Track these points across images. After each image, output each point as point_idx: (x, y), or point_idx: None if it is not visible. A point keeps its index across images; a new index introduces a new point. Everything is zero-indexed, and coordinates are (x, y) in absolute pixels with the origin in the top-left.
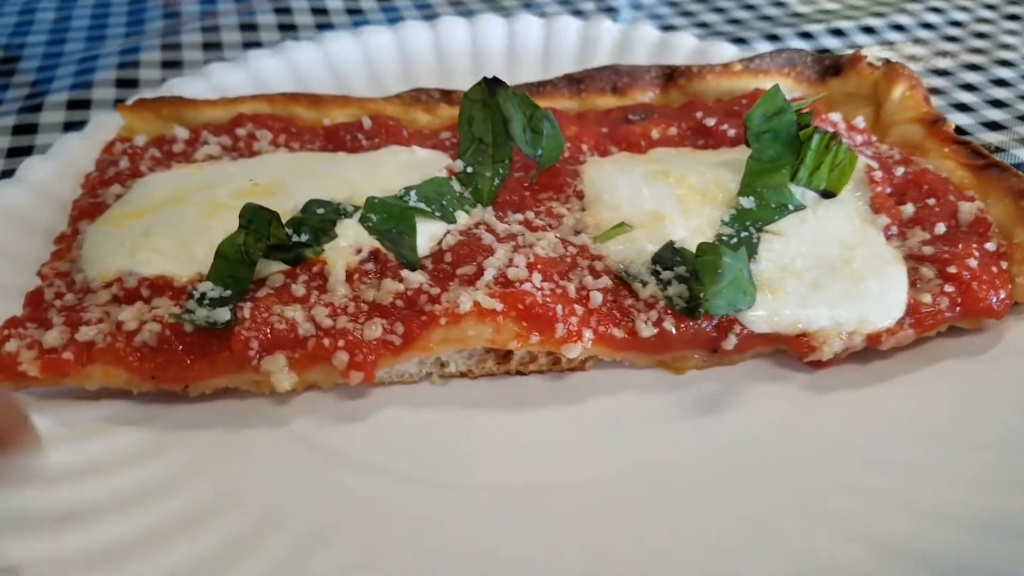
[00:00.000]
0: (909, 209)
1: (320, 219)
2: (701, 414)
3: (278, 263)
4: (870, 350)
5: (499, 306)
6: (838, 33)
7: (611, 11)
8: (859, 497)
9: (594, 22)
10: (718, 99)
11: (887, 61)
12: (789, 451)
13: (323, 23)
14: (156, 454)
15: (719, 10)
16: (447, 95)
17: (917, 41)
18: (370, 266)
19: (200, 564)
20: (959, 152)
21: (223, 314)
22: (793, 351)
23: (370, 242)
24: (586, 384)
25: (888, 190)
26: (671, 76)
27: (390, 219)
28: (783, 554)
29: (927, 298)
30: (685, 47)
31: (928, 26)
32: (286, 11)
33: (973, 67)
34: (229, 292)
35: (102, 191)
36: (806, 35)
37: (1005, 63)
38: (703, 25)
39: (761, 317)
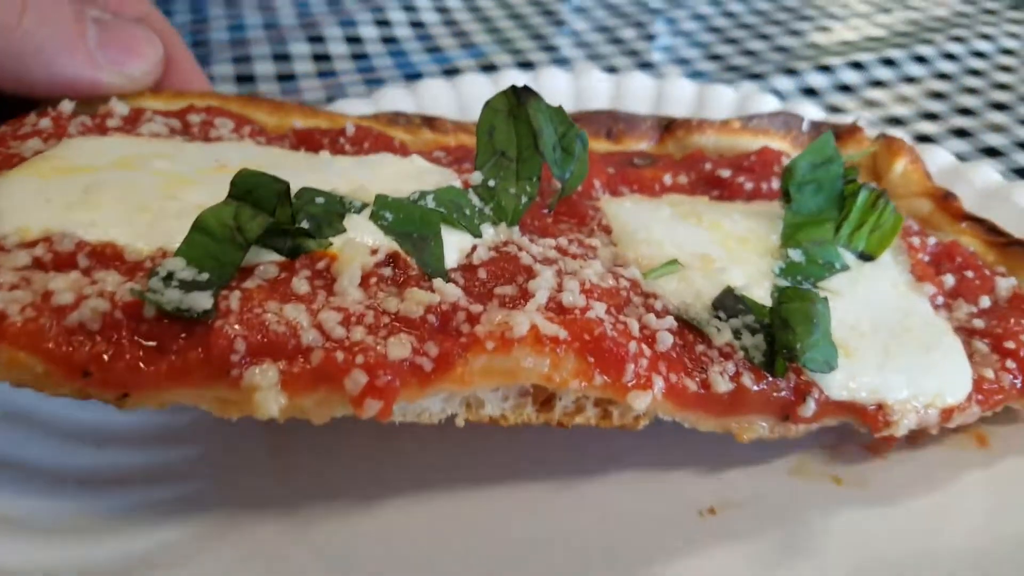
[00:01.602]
0: (950, 280)
1: (323, 208)
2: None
3: (270, 252)
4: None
5: (563, 334)
6: (857, 66)
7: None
8: None
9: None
10: (720, 154)
11: (884, 135)
12: None
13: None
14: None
15: (732, 41)
16: (430, 121)
17: (940, 76)
18: (387, 271)
19: None
20: (977, 228)
21: (202, 300)
22: (864, 424)
23: (387, 243)
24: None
25: (926, 258)
26: (668, 127)
27: (408, 221)
28: None
29: (989, 373)
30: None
31: (951, 56)
32: (319, 39)
33: (999, 106)
34: (207, 276)
35: (16, 144)
36: (825, 68)
37: None
38: (716, 58)
39: (839, 382)
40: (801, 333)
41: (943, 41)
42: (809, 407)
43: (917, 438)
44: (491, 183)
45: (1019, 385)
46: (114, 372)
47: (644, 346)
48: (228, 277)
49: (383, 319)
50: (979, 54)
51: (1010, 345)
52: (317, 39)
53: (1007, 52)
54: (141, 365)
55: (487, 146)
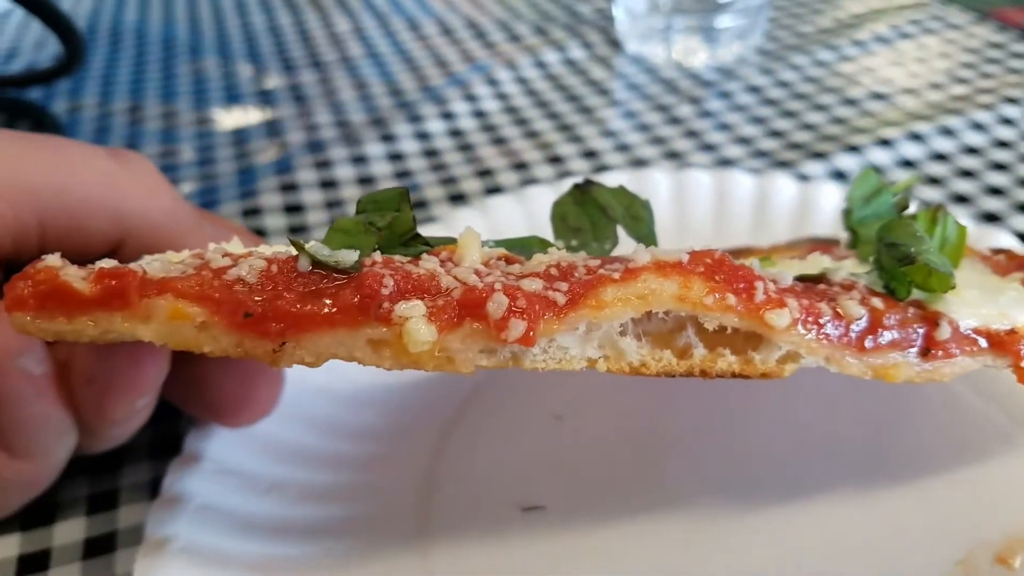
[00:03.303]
0: None
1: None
2: None
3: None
4: None
5: (685, 258)
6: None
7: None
8: None
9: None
10: None
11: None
12: None
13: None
14: None
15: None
16: None
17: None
18: (504, 263)
19: None
20: None
21: (349, 255)
22: (1005, 353)
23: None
24: None
25: (1002, 259)
26: None
27: (511, 244)
28: None
29: None
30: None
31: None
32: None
33: None
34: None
35: None
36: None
37: None
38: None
39: (964, 312)
40: (912, 243)
41: (998, 103)
42: (944, 330)
43: None
44: (574, 242)
45: None
46: (274, 312)
47: (768, 281)
48: (368, 252)
49: (511, 277)
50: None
51: None
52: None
53: None
54: (299, 305)
55: (562, 228)
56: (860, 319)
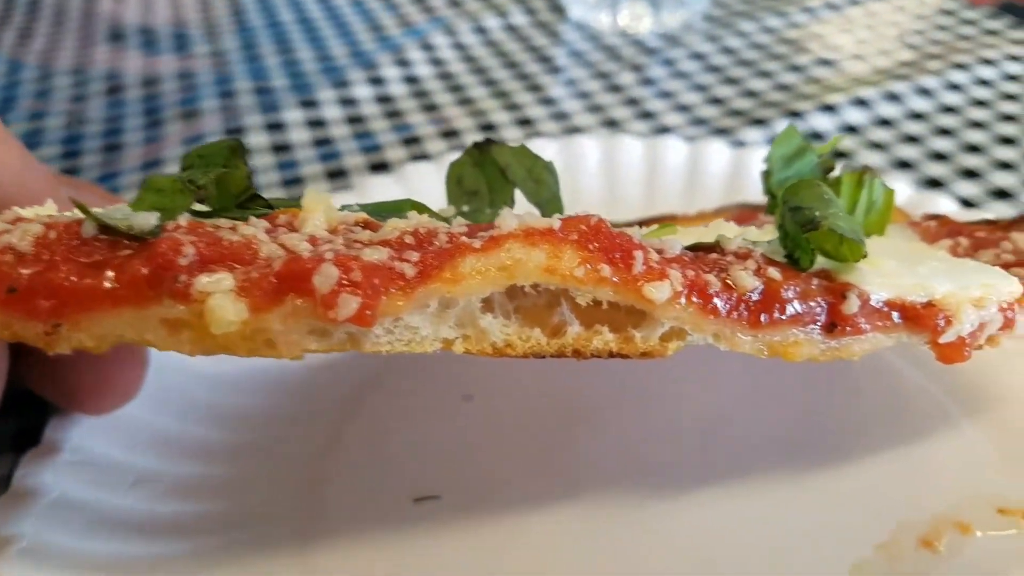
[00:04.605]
0: (964, 242)
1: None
2: None
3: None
4: None
5: (557, 224)
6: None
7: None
8: None
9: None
10: None
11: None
12: None
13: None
14: None
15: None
16: None
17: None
18: (358, 229)
19: None
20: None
21: (145, 219)
22: (921, 329)
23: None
24: None
25: (932, 225)
26: None
27: (379, 208)
28: None
29: None
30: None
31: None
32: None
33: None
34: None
35: None
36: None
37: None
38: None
39: (876, 282)
40: (817, 206)
41: (946, 69)
42: (852, 303)
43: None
44: (465, 208)
45: None
46: (44, 287)
47: (652, 250)
48: (176, 214)
49: (355, 246)
50: (984, 82)
51: None
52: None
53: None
54: (75, 279)
55: (457, 191)
56: (753, 291)
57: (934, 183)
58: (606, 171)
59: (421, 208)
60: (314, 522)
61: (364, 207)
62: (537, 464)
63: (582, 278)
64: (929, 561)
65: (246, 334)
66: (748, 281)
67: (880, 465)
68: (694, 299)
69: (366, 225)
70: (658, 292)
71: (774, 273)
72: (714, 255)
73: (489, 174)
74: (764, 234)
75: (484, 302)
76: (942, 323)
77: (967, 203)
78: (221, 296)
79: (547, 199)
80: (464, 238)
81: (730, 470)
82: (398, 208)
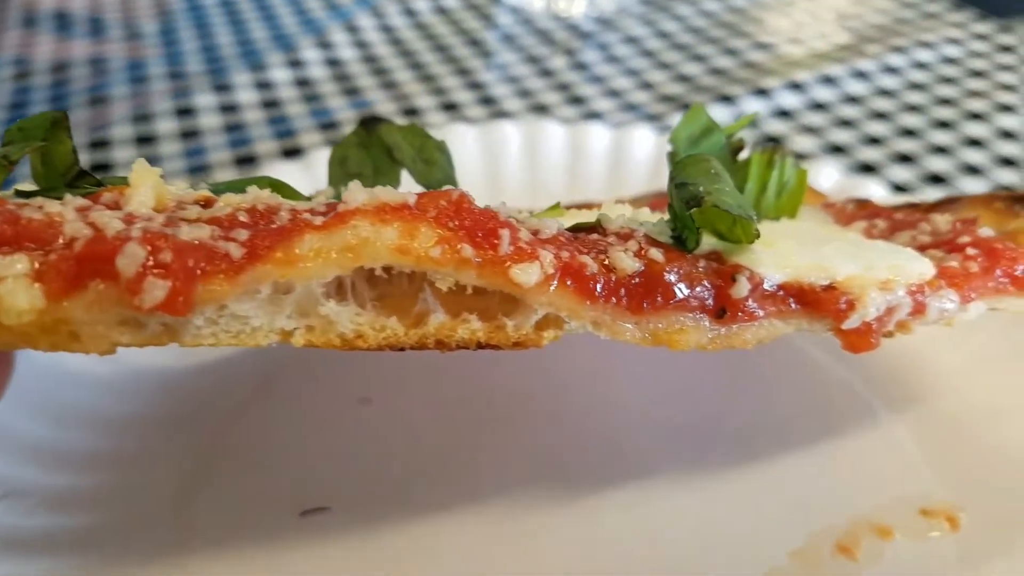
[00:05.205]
0: (881, 224)
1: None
2: None
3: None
4: None
5: (411, 198)
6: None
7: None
8: None
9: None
10: None
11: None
12: None
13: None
14: None
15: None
16: None
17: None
18: (196, 207)
19: None
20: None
21: None
22: (822, 314)
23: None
24: None
25: (850, 207)
26: None
27: (232, 186)
28: None
29: (953, 263)
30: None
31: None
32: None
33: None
34: None
35: None
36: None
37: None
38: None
39: (772, 262)
40: (703, 181)
41: (884, 53)
42: (742, 286)
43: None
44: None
45: (1000, 276)
46: None
47: (524, 229)
48: None
49: (179, 225)
50: (921, 65)
51: (965, 239)
52: (221, 87)
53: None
54: None
55: (340, 173)
56: (634, 275)
57: (867, 168)
58: (528, 157)
59: (281, 187)
60: (190, 539)
61: (212, 185)
62: (437, 471)
63: (439, 259)
64: (847, 568)
65: (45, 325)
66: (627, 263)
67: (797, 465)
68: (568, 283)
69: (206, 204)
70: (526, 275)
71: (656, 255)
72: (595, 236)
73: (375, 155)
74: (658, 216)
75: (338, 288)
76: (844, 307)
77: (900, 188)
78: (13, 281)
79: (439, 181)
80: (307, 215)
81: (637, 473)
82: (256, 185)
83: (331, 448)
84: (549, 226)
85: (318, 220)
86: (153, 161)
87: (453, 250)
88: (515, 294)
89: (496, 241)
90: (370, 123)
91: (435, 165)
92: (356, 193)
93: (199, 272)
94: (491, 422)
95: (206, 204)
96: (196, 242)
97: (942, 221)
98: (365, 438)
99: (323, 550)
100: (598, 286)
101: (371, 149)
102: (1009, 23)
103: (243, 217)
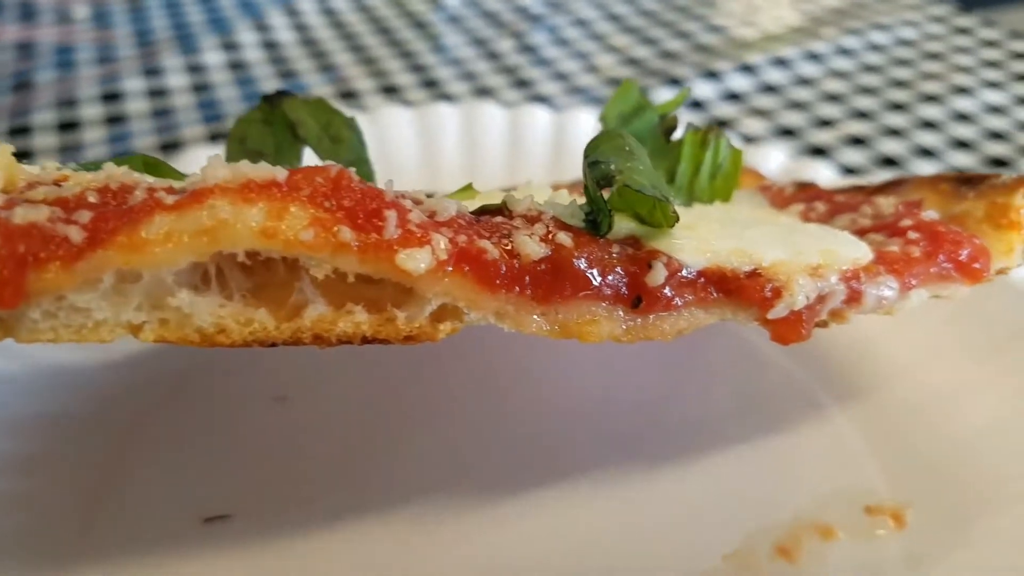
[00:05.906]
0: (820, 207)
1: None
2: None
3: None
4: None
5: (282, 175)
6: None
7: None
8: None
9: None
10: None
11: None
12: None
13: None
14: None
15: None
16: None
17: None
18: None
19: None
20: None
21: None
22: (746, 303)
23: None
24: None
25: (788, 189)
26: None
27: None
28: None
29: (894, 247)
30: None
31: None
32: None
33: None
34: None
35: None
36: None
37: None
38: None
39: (692, 247)
40: (616, 159)
41: (839, 35)
42: (658, 273)
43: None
44: None
45: (942, 260)
46: None
47: (416, 210)
48: None
49: (20, 206)
50: (876, 47)
51: (907, 222)
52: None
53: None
54: None
55: (238, 151)
56: (539, 261)
57: (818, 151)
58: (466, 140)
59: (156, 165)
60: (93, 547)
61: (81, 165)
62: (350, 474)
63: (312, 243)
64: (785, 571)
65: None
66: (532, 248)
67: (735, 461)
68: (465, 269)
69: (62, 180)
70: (414, 261)
71: (565, 239)
72: (499, 219)
73: (278, 132)
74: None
75: (203, 277)
76: (770, 294)
77: (851, 171)
78: None
79: (348, 161)
80: (162, 193)
81: (561, 474)
82: (130, 165)
83: (241, 450)
84: (447, 208)
85: (171, 199)
86: (73, 148)
87: (328, 233)
88: (404, 282)
89: (380, 223)
90: (274, 98)
91: (343, 143)
92: (216, 169)
93: (31, 259)
94: (412, 422)
95: (60, 184)
96: (28, 224)
97: (886, 204)
98: (277, 439)
99: (225, 560)
100: (499, 273)
101: (274, 125)
102: (989, 15)
103: (92, 198)
